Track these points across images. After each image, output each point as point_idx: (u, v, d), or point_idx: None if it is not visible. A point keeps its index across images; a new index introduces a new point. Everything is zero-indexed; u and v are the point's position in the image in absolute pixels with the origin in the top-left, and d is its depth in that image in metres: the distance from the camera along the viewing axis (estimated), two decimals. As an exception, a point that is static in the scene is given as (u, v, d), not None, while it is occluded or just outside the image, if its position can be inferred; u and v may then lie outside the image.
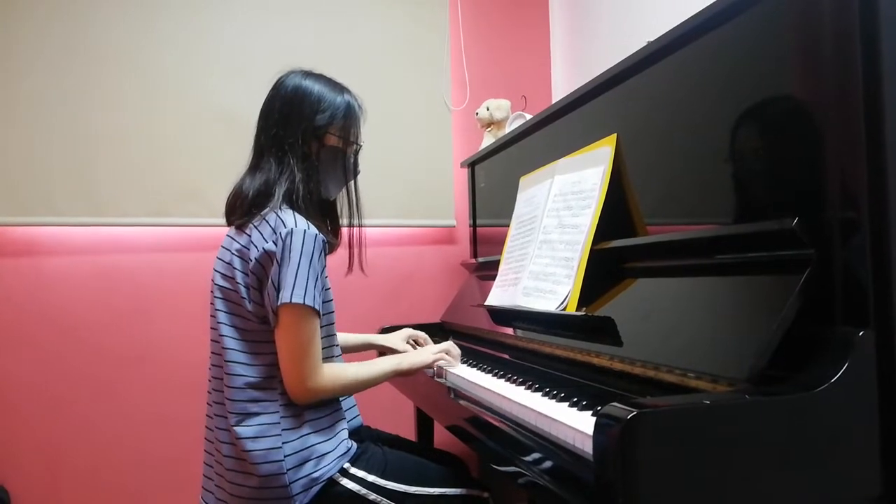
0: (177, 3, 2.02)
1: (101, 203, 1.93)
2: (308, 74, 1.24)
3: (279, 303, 1.06)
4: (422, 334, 1.61)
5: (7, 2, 1.88)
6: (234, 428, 1.08)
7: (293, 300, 1.05)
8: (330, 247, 1.23)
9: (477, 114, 2.19)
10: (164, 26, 2.01)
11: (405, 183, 2.28)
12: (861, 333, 0.72)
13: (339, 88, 1.25)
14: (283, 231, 1.08)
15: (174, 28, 2.02)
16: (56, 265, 1.94)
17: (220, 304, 1.14)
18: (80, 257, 1.96)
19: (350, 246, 1.30)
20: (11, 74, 1.88)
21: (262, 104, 1.24)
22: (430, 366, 1.32)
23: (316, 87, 1.21)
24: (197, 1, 2.04)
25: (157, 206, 1.99)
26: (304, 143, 1.18)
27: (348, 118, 1.24)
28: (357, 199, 1.30)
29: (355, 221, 1.30)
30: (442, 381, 1.32)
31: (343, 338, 1.52)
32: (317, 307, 1.09)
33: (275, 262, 1.08)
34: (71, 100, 1.92)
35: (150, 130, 1.99)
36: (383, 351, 1.64)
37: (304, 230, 1.09)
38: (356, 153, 1.29)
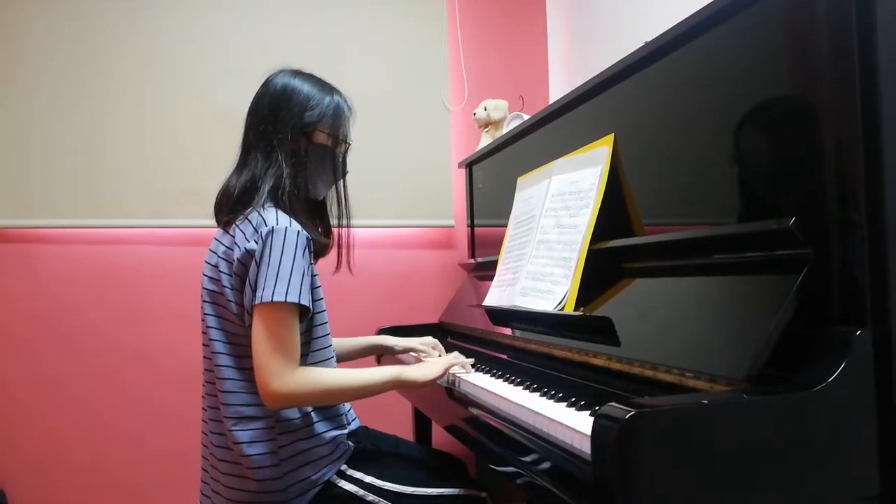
0: (178, 5, 2.03)
1: (104, 205, 1.94)
2: (297, 73, 1.23)
3: (254, 303, 1.03)
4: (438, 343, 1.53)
5: (12, 7, 1.89)
6: (231, 432, 1.07)
7: (274, 299, 1.01)
8: (322, 247, 1.21)
9: (474, 114, 2.19)
10: (166, 29, 2.02)
11: (404, 183, 2.27)
12: (858, 333, 0.72)
13: (329, 89, 1.24)
14: (265, 230, 1.05)
15: (176, 31, 2.03)
16: (56, 263, 1.94)
17: (208, 308, 1.13)
18: (79, 255, 1.96)
19: (339, 246, 1.28)
20: (14, 80, 1.88)
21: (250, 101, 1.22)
22: (440, 376, 1.20)
23: (305, 87, 1.20)
24: (197, 3, 2.05)
25: (159, 207, 1.99)
26: (292, 139, 1.17)
27: (337, 117, 1.23)
28: (346, 198, 1.28)
29: (344, 221, 1.28)
30: (455, 388, 1.30)
31: (346, 343, 1.48)
32: (303, 302, 1.04)
33: (254, 261, 1.05)
34: (73, 103, 1.93)
35: (152, 133, 1.99)
36: (386, 354, 1.60)
37: (286, 227, 1.06)
38: (345, 152, 1.27)
